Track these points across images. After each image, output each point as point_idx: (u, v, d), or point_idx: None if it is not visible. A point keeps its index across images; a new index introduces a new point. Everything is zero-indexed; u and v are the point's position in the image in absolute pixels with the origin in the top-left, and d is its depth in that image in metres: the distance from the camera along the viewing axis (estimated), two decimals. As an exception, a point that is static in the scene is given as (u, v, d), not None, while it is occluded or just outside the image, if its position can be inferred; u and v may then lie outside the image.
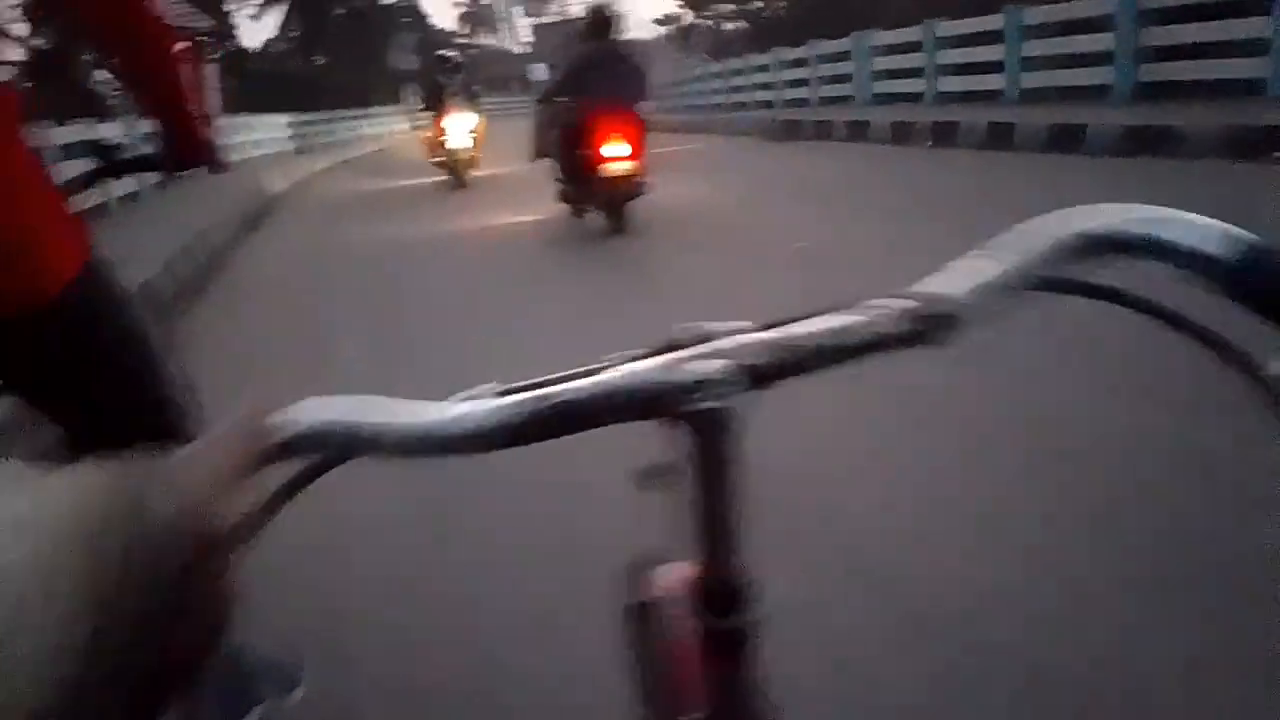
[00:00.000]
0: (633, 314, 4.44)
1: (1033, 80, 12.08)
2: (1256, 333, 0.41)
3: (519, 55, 53.41)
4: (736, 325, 0.45)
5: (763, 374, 0.43)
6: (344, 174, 17.41)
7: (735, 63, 22.64)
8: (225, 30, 33.04)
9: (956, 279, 0.43)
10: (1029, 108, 11.07)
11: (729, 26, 36.08)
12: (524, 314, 4.96)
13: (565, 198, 7.67)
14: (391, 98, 38.54)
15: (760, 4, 33.72)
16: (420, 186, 12.38)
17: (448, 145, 11.36)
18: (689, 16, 43.12)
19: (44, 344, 1.18)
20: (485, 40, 46.43)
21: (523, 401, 0.42)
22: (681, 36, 41.57)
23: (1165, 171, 7.09)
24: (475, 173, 11.71)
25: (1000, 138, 9.81)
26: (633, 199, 7.04)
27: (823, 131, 13.87)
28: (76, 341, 1.20)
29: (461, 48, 47.25)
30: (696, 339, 0.44)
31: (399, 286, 6.20)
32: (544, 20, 55.74)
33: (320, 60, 38.69)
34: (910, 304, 0.43)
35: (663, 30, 47.12)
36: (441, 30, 47.58)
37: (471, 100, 11.50)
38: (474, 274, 6.38)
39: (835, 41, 17.26)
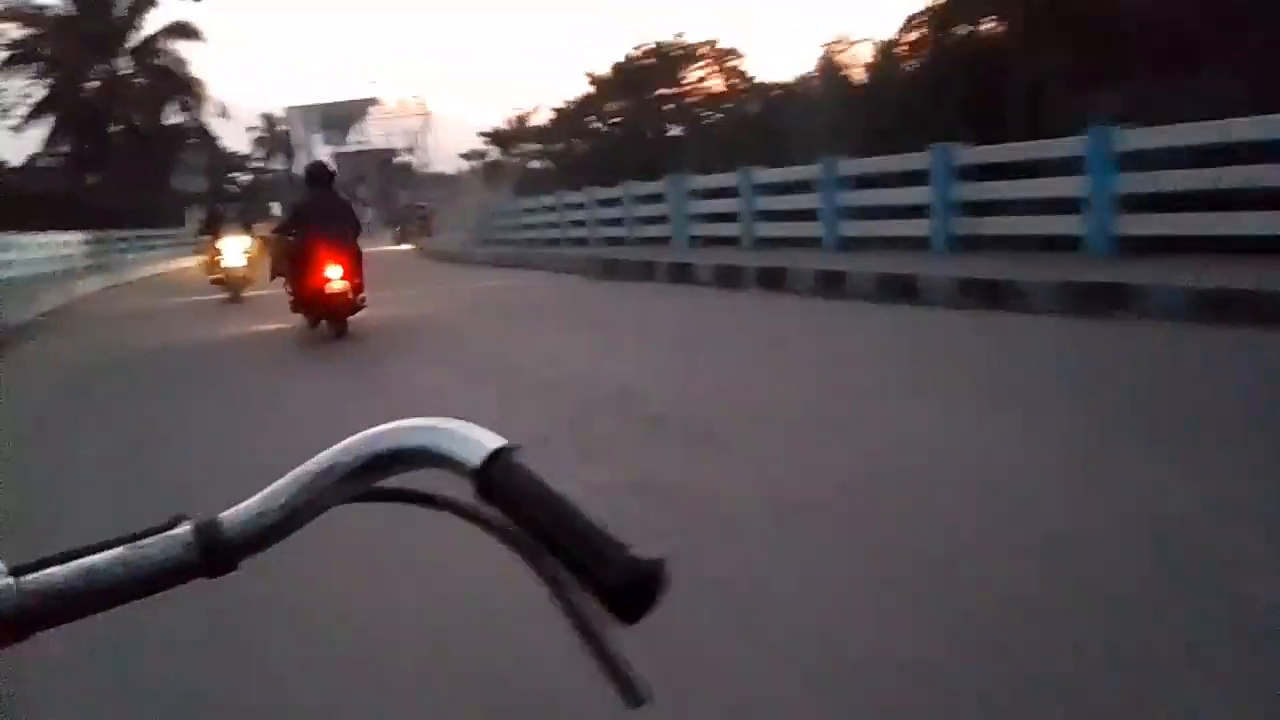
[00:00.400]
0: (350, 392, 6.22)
1: (852, 230, 12.26)
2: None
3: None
4: None
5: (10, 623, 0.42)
6: (113, 300, 16.89)
7: (547, 199, 22.46)
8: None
9: (248, 507, 0.47)
10: (854, 255, 11.14)
11: (535, 164, 36.46)
12: (265, 386, 6.94)
13: (296, 309, 9.22)
14: (177, 221, 36.25)
15: (562, 145, 34.31)
16: (199, 302, 13.53)
17: (223, 264, 12.92)
18: (495, 153, 43.49)
19: None
20: (279, 166, 44.84)
21: None
22: (488, 172, 41.68)
23: (1014, 326, 7.01)
24: (250, 291, 12.80)
25: (832, 285, 9.66)
26: (352, 313, 8.85)
27: (645, 272, 13.56)
28: None
29: (254, 172, 45.50)
30: None
31: (170, 369, 8.14)
32: (345, 149, 54.78)
33: (94, 179, 35.95)
34: (187, 534, 0.45)
35: (468, 165, 47.26)
36: (234, 154, 45.62)
37: (248, 226, 13.23)
38: (232, 360, 8.46)
39: (650, 183, 17.36)
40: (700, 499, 3.56)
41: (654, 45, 33.97)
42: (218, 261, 13.27)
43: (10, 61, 36.08)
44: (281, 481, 0.47)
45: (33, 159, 36.72)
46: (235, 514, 0.46)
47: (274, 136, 49.60)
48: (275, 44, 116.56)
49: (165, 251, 31.05)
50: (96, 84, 37.41)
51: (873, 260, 10.24)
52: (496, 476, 0.45)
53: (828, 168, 12.33)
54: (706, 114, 29.72)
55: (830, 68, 19.35)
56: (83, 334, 11.50)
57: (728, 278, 11.56)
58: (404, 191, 46.18)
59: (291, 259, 9.15)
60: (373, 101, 57.55)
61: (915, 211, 11.01)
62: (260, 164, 45.58)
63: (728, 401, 5.29)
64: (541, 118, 38.58)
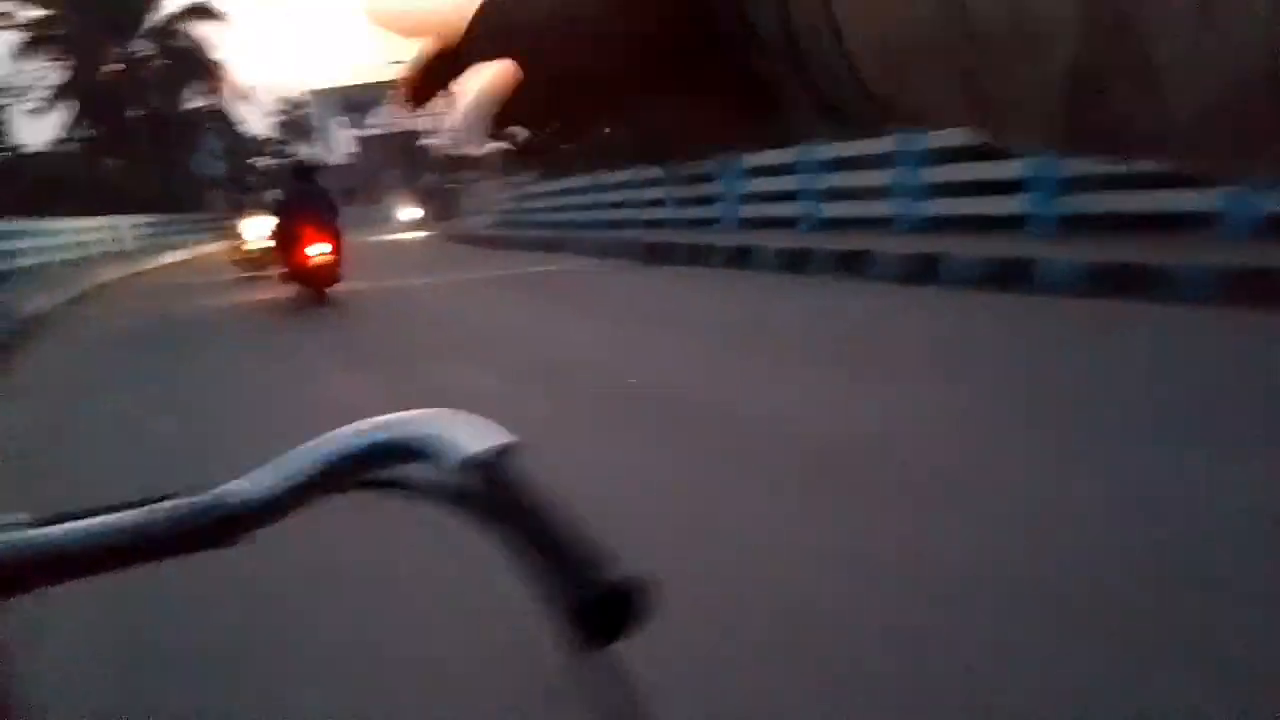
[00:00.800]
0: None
1: (933, 209, 11.10)
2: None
3: (338, 167, 51.13)
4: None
5: (10, 580, 0.42)
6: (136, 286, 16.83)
7: (582, 179, 21.27)
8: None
9: (255, 479, 0.47)
10: (939, 236, 10.03)
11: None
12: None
13: (285, 279, 11.19)
14: (197, 204, 35.51)
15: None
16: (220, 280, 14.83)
17: (246, 248, 13.73)
18: (522, 133, 42.35)
19: None
20: (302, 149, 44.07)
21: None
22: (517, 153, 40.63)
23: (1182, 322, 5.86)
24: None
25: (925, 270, 8.53)
26: (334, 282, 10.74)
27: (696, 256, 12.48)
28: None
29: (275, 156, 44.67)
30: None
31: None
32: (367, 133, 53.88)
33: (113, 163, 35.24)
34: (191, 503, 0.45)
35: (497, 146, 46.06)
36: (254, 137, 44.77)
37: (267, 207, 13.38)
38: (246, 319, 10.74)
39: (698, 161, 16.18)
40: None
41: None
42: (242, 245, 13.83)
43: (27, 44, 35.34)
44: (293, 458, 0.47)
45: (52, 143, 36.06)
46: (244, 487, 0.47)
47: (294, 120, 48.70)
48: (295, 25, 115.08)
49: (185, 236, 30.33)
50: (115, 66, 36.62)
51: (971, 243, 9.11)
52: (493, 473, 0.44)
53: (906, 141, 11.17)
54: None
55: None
56: (115, 318, 11.89)
57: (795, 263, 10.47)
58: (430, 175, 45.14)
59: (280, 239, 11.12)
60: (395, 84, 56.42)
61: (1011, 188, 9.86)
62: (281, 147, 44.66)
63: (938, 443, 4.23)
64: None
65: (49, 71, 35.90)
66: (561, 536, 0.41)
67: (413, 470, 0.47)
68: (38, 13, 35.22)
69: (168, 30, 37.54)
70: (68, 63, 35.95)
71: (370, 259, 16.27)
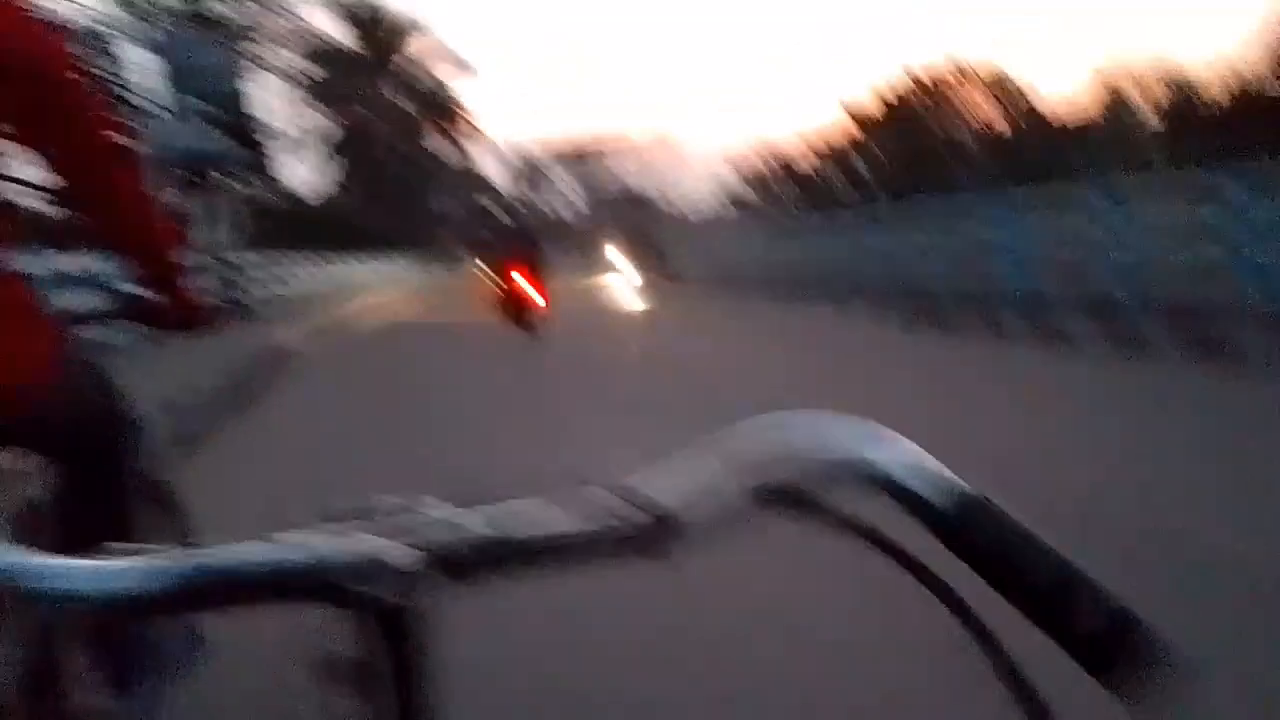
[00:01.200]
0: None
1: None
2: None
3: (563, 219, 52.23)
4: (442, 503, 0.42)
5: (458, 567, 0.39)
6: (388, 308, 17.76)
7: (812, 219, 18.45)
8: (258, 162, 31.11)
9: (680, 486, 0.42)
10: None
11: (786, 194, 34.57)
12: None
13: (501, 313, 11.96)
14: (431, 242, 36.58)
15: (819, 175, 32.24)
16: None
17: (499, 291, 13.30)
18: (746, 186, 41.70)
19: (41, 420, 1.33)
20: (533, 196, 45.28)
21: (161, 567, 0.39)
22: (743, 203, 39.91)
23: None
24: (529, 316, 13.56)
25: None
26: (535, 320, 11.51)
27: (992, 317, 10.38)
28: (65, 421, 1.35)
29: (505, 201, 45.96)
30: (384, 513, 0.40)
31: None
32: (591, 184, 54.86)
33: (361, 203, 36.82)
34: (639, 513, 0.41)
35: (717, 198, 45.75)
36: (487, 182, 46.24)
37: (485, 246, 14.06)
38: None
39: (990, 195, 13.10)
40: None
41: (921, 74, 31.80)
42: (495, 287, 13.53)
43: (290, 90, 37.57)
44: (715, 466, 0.42)
45: (307, 182, 38.05)
46: (667, 490, 0.41)
47: (525, 169, 50.15)
48: (529, 78, 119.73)
49: (423, 273, 31.22)
50: (365, 111, 38.40)
51: None
52: (964, 522, 0.40)
53: None
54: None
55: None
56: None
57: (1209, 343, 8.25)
58: (653, 225, 45.22)
59: (496, 277, 12.37)
60: (620, 137, 57.47)
61: None
62: (515, 196, 45.96)
63: None
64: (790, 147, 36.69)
65: (308, 116, 38.06)
66: (1051, 567, 0.39)
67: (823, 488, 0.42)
68: (297, 60, 37.46)
69: (417, 77, 39.19)
70: (323, 108, 38.01)
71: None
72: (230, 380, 7.33)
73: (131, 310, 1.51)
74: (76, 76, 1.35)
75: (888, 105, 38.69)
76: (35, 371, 1.31)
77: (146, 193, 1.43)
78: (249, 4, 29.71)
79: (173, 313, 1.50)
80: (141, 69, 17.99)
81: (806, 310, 14.80)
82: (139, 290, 1.48)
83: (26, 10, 1.33)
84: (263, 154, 31.35)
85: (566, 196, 54.42)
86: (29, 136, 1.33)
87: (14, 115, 1.30)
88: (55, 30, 1.38)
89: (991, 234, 12.55)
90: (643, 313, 17.02)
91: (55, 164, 1.35)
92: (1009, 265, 11.76)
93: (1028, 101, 39.67)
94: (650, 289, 24.94)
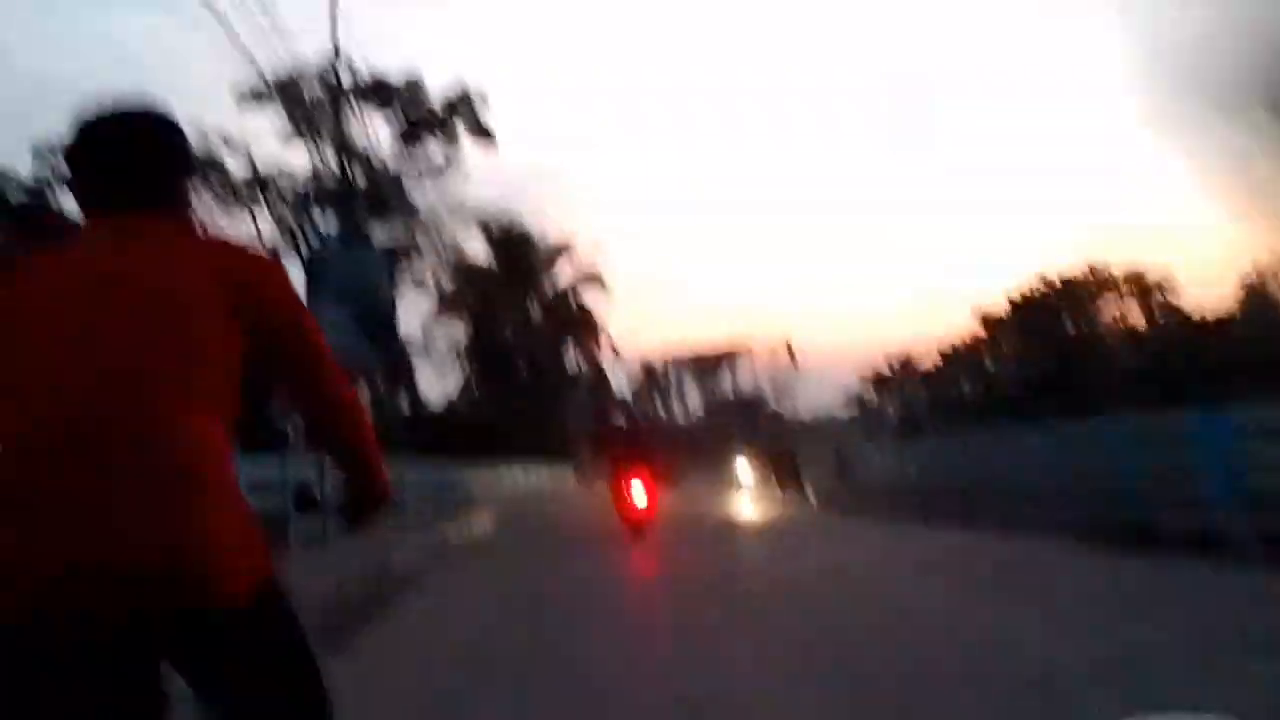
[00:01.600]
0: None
1: None
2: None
3: (682, 427, 53.03)
4: None
5: None
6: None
7: (956, 437, 18.35)
8: (406, 377, 33.19)
9: None
10: None
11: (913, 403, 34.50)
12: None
13: (618, 516, 11.88)
14: (564, 451, 37.57)
15: (953, 384, 32.11)
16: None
17: (625, 500, 13.14)
18: (869, 394, 41.92)
19: (225, 639, 1.37)
20: (659, 403, 46.43)
21: None
22: (866, 414, 40.03)
23: None
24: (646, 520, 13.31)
25: None
26: (647, 522, 11.54)
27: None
28: (254, 641, 1.40)
29: (632, 415, 47.20)
30: None
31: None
32: (714, 394, 55.89)
33: (502, 413, 38.54)
34: None
35: (837, 408, 45.99)
36: (619, 394, 47.75)
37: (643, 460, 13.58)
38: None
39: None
40: None
41: (1057, 277, 31.56)
42: (624, 496, 12.78)
43: (438, 310, 40.35)
44: None
45: (454, 395, 40.00)
46: None
47: (652, 380, 51.64)
48: (658, 297, 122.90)
49: (559, 481, 32.00)
50: (510, 328, 40.76)
51: None
52: None
53: None
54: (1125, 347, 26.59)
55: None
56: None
57: None
58: (772, 437, 45.47)
59: (608, 480, 12.58)
60: (743, 348, 58.93)
61: None
62: (640, 406, 47.23)
63: None
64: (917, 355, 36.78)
65: (455, 333, 40.58)
66: None
67: None
68: (452, 285, 40.40)
69: (561, 298, 41.62)
70: (471, 326, 40.47)
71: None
72: (376, 577, 7.73)
73: (341, 503, 1.64)
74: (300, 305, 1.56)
75: (1017, 307, 38.71)
76: (260, 566, 1.39)
77: (353, 390, 1.59)
78: (406, 222, 32.13)
79: (370, 500, 1.64)
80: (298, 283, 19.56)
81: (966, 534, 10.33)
82: (343, 483, 1.62)
83: (265, 260, 1.56)
84: (409, 364, 33.55)
85: (690, 403, 55.55)
86: (279, 367, 1.53)
87: (268, 348, 1.49)
88: (280, 267, 1.59)
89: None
90: (762, 524, 15.41)
91: (293, 375, 1.54)
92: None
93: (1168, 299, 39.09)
94: (777, 500, 24.14)
